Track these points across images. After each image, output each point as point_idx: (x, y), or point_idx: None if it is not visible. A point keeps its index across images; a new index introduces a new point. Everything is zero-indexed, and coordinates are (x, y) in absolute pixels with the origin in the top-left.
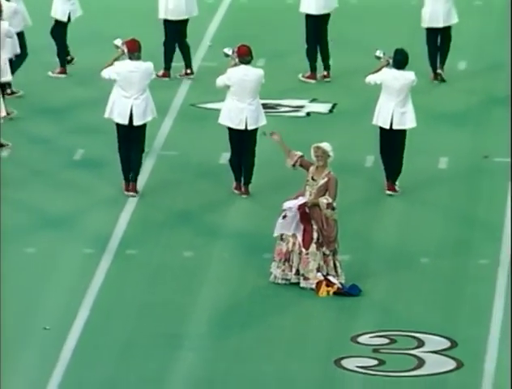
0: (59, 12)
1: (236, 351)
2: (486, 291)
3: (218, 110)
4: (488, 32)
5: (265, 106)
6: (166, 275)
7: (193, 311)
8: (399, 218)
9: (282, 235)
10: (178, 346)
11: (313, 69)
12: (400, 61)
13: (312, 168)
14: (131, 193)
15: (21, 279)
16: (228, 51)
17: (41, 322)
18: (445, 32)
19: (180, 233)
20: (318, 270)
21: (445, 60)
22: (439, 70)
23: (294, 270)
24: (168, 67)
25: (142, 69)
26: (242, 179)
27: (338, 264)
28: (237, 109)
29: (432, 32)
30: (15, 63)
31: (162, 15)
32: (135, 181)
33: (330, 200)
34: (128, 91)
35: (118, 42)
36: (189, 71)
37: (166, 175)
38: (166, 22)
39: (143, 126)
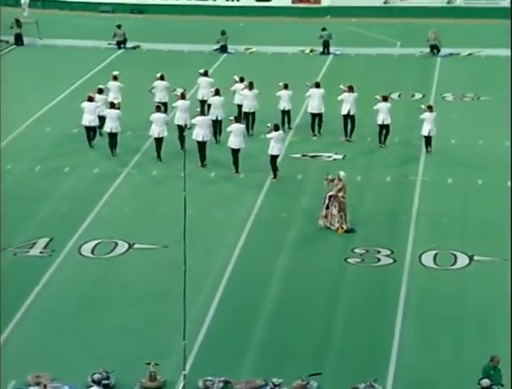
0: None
1: (302, 257)
2: (405, 230)
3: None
4: (409, 126)
5: (315, 156)
6: (278, 226)
7: (285, 239)
8: (369, 203)
9: (323, 206)
10: (280, 251)
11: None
12: (278, 127)
13: (335, 180)
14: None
15: (214, 229)
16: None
17: (219, 249)
18: (387, 126)
19: (278, 209)
20: (338, 222)
21: (387, 138)
22: (383, 144)
23: (328, 222)
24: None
25: (206, 119)
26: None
27: (347, 219)
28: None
29: (380, 127)
30: None
31: (308, 110)
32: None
33: (343, 194)
34: (201, 128)
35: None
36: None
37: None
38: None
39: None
